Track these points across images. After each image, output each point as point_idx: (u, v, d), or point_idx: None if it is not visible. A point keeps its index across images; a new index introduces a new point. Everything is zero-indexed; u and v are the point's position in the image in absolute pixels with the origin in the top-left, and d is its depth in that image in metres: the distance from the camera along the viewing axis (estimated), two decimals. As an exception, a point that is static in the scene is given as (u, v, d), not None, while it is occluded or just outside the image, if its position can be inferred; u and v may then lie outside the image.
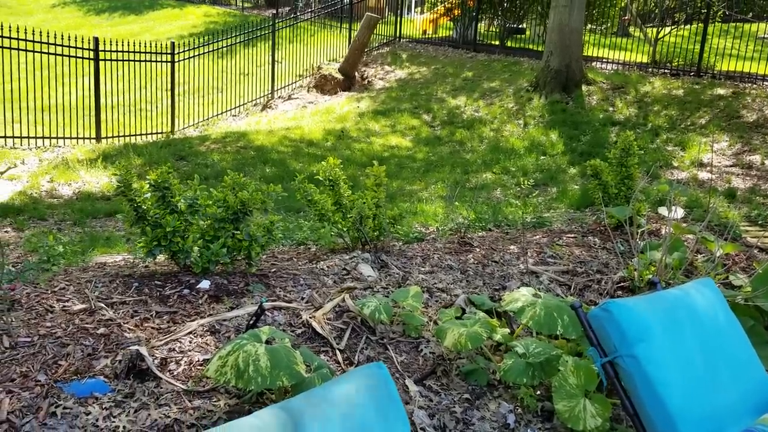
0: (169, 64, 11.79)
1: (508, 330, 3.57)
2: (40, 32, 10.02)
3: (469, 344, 3.07)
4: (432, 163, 9.57)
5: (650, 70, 13.23)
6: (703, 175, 8.48)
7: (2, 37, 9.32)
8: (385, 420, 1.49)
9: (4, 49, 9.50)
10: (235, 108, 13.16)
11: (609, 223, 5.73)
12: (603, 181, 5.77)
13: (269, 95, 13.87)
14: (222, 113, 12.84)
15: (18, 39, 9.57)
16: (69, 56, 10.30)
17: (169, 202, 3.82)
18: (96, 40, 10.49)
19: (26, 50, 9.74)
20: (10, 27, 9.52)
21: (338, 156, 8.54)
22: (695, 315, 2.38)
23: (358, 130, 11.19)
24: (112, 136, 10.76)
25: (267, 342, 2.65)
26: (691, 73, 12.70)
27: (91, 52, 10.45)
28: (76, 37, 10.36)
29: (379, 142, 10.62)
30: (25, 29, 9.81)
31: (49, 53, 10.04)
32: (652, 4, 19.05)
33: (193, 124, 12.21)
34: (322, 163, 4.81)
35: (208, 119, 12.51)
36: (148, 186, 3.80)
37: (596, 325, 2.30)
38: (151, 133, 11.31)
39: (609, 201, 5.80)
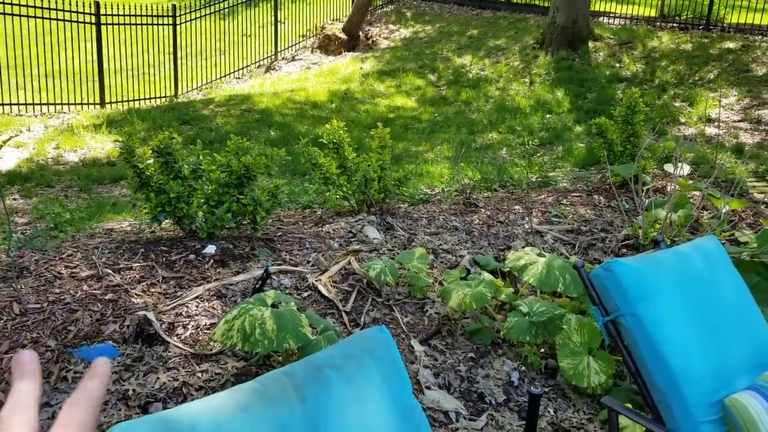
0: (171, 27, 11.67)
1: (512, 290, 3.59)
2: (40, -3, 9.92)
3: (473, 304, 3.09)
4: (437, 124, 9.51)
5: (658, 24, 13.00)
6: (711, 130, 8.40)
7: (3, 3, 9.23)
8: (387, 382, 1.51)
9: (6, 16, 9.42)
10: (238, 70, 13.06)
11: (614, 182, 5.71)
12: (608, 140, 5.73)
13: (273, 57, 13.74)
14: (225, 76, 12.74)
15: (19, 5, 9.48)
16: (71, 21, 10.21)
17: (172, 168, 3.83)
18: (97, 4, 10.38)
19: (28, 16, 9.66)
20: (9, -8, 9.42)
21: (343, 118, 8.49)
22: (698, 273, 2.38)
23: (363, 91, 11.10)
24: (117, 101, 10.72)
25: (273, 306, 2.68)
26: (700, 27, 12.47)
27: (93, 17, 10.36)
28: (77, 2, 10.26)
29: (384, 103, 10.55)
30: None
31: (50, 18, 9.95)
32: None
33: (197, 88, 12.14)
34: (327, 125, 4.79)
35: (211, 82, 12.43)
36: (150, 152, 3.81)
37: (598, 284, 2.30)
38: (155, 98, 11.25)
39: (614, 159, 5.77)
